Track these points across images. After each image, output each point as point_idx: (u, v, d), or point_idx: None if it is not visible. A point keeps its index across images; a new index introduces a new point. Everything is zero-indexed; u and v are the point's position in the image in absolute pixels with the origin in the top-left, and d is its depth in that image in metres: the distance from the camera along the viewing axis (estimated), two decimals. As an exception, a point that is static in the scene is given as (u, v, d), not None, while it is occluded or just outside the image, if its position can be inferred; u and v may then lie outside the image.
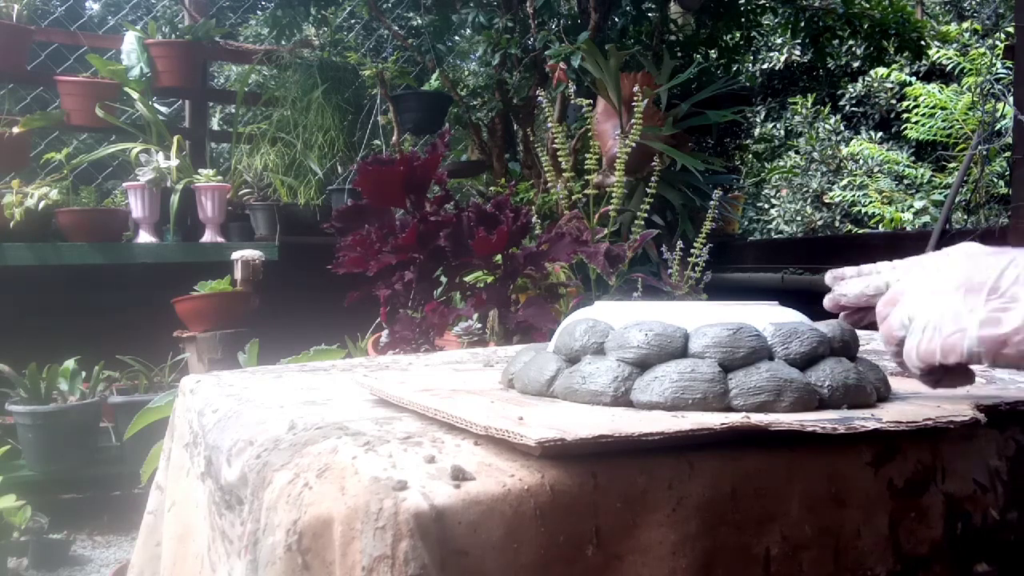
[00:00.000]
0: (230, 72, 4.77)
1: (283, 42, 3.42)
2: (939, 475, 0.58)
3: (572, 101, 2.32)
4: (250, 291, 2.53)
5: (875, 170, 5.04)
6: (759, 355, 0.62)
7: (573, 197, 2.00)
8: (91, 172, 3.38)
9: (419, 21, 3.58)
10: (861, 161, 5.12)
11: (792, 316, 0.68)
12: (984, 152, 3.25)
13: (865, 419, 0.56)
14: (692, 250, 1.88)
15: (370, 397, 0.72)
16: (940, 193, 4.67)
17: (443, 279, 1.68)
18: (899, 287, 0.66)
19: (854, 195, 4.90)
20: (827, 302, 0.74)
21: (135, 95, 3.03)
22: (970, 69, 4.55)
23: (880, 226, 4.70)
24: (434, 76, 3.36)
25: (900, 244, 3.23)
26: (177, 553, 0.73)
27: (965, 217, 3.78)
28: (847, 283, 0.72)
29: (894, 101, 5.33)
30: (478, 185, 3.66)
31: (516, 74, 3.05)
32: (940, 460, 0.58)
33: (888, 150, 5.14)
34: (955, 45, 4.91)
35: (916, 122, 4.80)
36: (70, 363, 2.42)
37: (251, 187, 3.21)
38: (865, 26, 3.53)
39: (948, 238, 2.81)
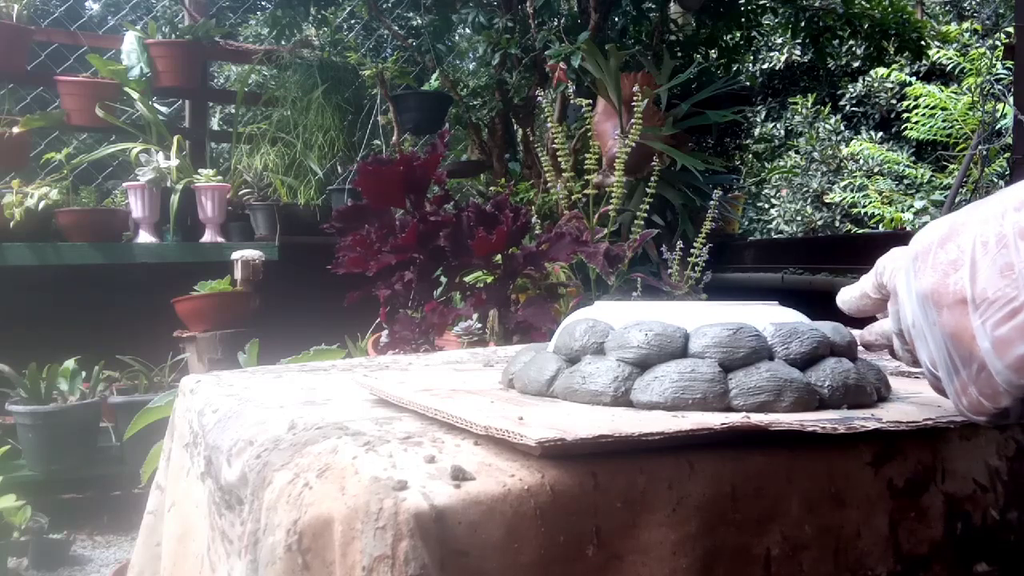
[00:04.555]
0: (230, 72, 4.77)
1: (283, 42, 3.42)
2: (939, 475, 0.58)
3: (572, 101, 2.32)
4: (250, 291, 2.54)
5: (875, 170, 5.04)
6: (759, 355, 0.62)
7: (573, 197, 2.00)
8: (91, 172, 3.38)
9: (419, 21, 3.58)
10: (861, 161, 5.12)
11: (792, 316, 0.68)
12: (984, 152, 3.25)
13: (865, 419, 0.56)
14: (692, 250, 1.88)
15: (370, 397, 0.72)
16: (940, 193, 4.67)
17: (443, 279, 1.68)
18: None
19: (854, 195, 4.90)
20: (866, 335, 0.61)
21: (135, 95, 3.03)
22: (970, 69, 4.55)
23: (880, 226, 4.70)
24: (434, 76, 3.36)
25: (900, 244, 3.23)
26: (177, 553, 0.73)
27: (965, 217, 3.76)
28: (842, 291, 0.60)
29: (894, 101, 5.33)
30: (478, 185, 3.66)
31: (516, 74, 3.05)
32: (940, 460, 0.58)
33: (888, 150, 5.14)
34: (955, 45, 4.91)
35: (916, 122, 4.81)
36: (70, 363, 2.42)
37: (251, 187, 3.21)
38: (865, 26, 3.53)
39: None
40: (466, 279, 1.74)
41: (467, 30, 3.48)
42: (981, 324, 0.43)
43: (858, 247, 3.43)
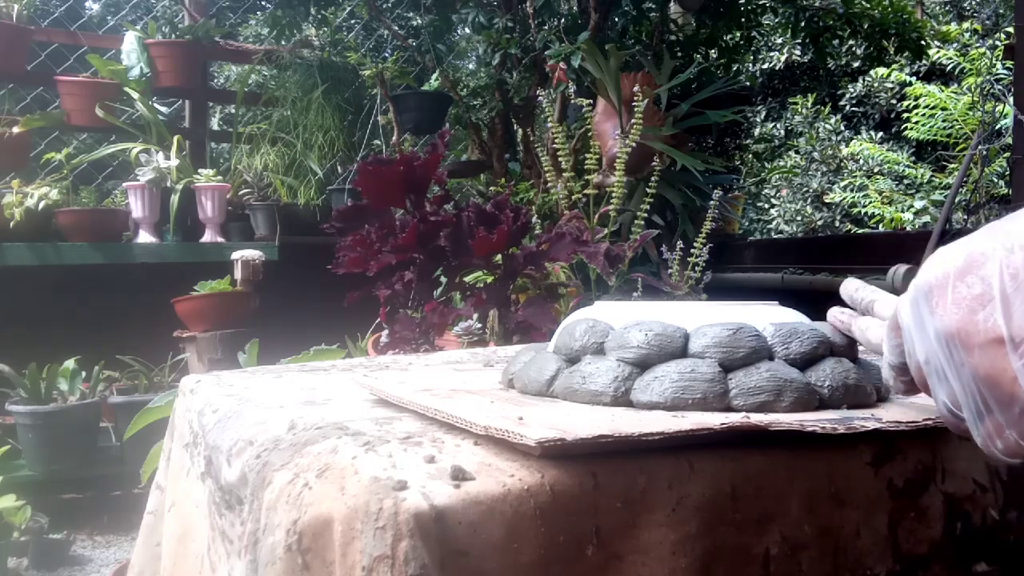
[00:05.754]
0: (230, 72, 4.77)
1: (283, 42, 3.42)
2: (939, 475, 0.58)
3: (572, 101, 2.32)
4: (250, 291, 2.54)
5: (875, 170, 5.04)
6: (759, 355, 0.62)
7: (573, 197, 2.00)
8: (91, 172, 3.38)
9: (419, 21, 3.58)
10: (861, 161, 5.12)
11: (792, 316, 0.68)
12: (984, 152, 3.25)
13: (865, 419, 0.56)
14: (692, 250, 1.88)
15: (370, 397, 0.72)
16: (940, 193, 4.67)
17: (443, 279, 1.68)
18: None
19: (854, 195, 4.90)
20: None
21: (135, 95, 3.03)
22: (970, 69, 4.55)
23: (880, 226, 4.70)
24: (434, 76, 3.36)
25: (900, 244, 3.23)
26: (177, 553, 0.73)
27: (965, 217, 3.78)
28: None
29: (894, 101, 5.33)
30: (478, 185, 3.66)
31: (516, 74, 3.05)
32: (940, 460, 0.58)
33: (888, 150, 5.14)
34: (955, 45, 4.91)
35: (916, 122, 4.80)
36: (70, 363, 2.42)
37: (251, 187, 3.21)
38: (865, 26, 3.54)
39: (948, 238, 2.80)
40: (466, 279, 1.74)
41: (467, 30, 3.48)
42: (1023, 365, 0.40)
43: (858, 247, 3.43)
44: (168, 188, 2.87)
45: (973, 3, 5.67)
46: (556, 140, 1.99)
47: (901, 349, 0.49)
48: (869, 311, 0.61)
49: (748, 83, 3.96)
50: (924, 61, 4.49)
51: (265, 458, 0.54)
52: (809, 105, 5.44)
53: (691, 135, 3.34)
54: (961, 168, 3.15)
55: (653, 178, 1.96)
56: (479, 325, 1.67)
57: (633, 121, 1.94)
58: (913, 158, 5.12)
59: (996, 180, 4.25)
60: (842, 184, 5.10)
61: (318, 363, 1.01)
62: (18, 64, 2.98)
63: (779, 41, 5.24)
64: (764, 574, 0.52)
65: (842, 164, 5.25)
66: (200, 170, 3.01)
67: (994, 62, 3.83)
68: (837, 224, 5.12)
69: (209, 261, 2.77)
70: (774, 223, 5.23)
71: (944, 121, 4.69)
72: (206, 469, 0.67)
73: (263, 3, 4.51)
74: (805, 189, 5.27)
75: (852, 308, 0.63)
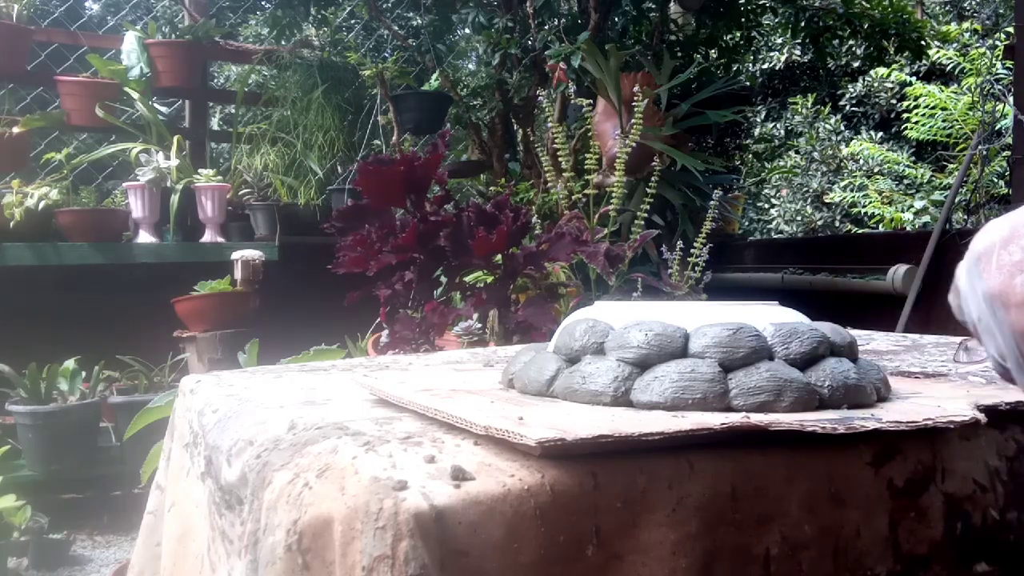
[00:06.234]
0: (230, 72, 4.77)
1: (283, 42, 3.42)
2: (939, 475, 0.58)
3: (572, 101, 2.32)
4: (250, 291, 2.54)
5: (875, 170, 5.04)
6: (759, 355, 0.62)
7: (573, 197, 2.00)
8: (91, 172, 3.38)
9: (419, 21, 3.58)
10: (861, 161, 5.12)
11: (792, 316, 0.68)
12: (984, 152, 3.25)
13: (865, 419, 0.56)
14: (692, 250, 1.88)
15: (370, 397, 0.72)
16: (940, 193, 4.67)
17: (443, 279, 1.68)
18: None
19: (854, 195, 4.90)
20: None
21: (135, 95, 3.03)
22: (970, 69, 4.55)
23: (880, 226, 4.70)
24: (434, 76, 3.36)
25: (900, 244, 3.23)
26: (177, 553, 0.73)
27: (965, 217, 3.78)
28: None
29: (894, 101, 5.33)
30: (478, 185, 3.66)
31: (516, 74, 3.05)
32: (940, 460, 0.58)
33: (888, 150, 5.14)
34: (955, 45, 4.91)
35: (916, 122, 4.80)
36: (70, 363, 2.42)
37: (251, 187, 3.21)
38: (865, 26, 3.54)
39: (948, 238, 2.81)
40: (466, 279, 1.74)
41: (467, 30, 3.48)
42: None
43: (858, 247, 3.43)
44: (168, 188, 2.87)
45: (973, 3, 5.67)
46: (556, 140, 1.99)
47: (960, 309, 0.55)
48: None
49: (748, 83, 3.96)
50: (924, 61, 4.50)
51: (265, 458, 0.54)
52: (809, 105, 5.44)
53: (691, 135, 3.34)
54: (961, 168, 3.15)
55: (653, 178, 1.96)
56: (479, 325, 1.67)
57: (633, 121, 1.94)
58: (913, 158, 5.12)
59: (996, 180, 4.25)
60: (842, 184, 5.10)
61: (318, 363, 1.01)
62: (18, 64, 2.98)
63: (779, 41, 5.24)
64: (764, 574, 0.52)
65: (842, 164, 5.25)
66: (200, 170, 3.01)
67: (994, 62, 3.83)
68: (837, 224, 5.12)
69: (209, 261, 2.76)
70: (774, 223, 5.24)
71: (944, 121, 4.69)
72: (206, 469, 0.67)
73: (263, 3, 4.51)
74: (805, 189, 5.27)
75: None
